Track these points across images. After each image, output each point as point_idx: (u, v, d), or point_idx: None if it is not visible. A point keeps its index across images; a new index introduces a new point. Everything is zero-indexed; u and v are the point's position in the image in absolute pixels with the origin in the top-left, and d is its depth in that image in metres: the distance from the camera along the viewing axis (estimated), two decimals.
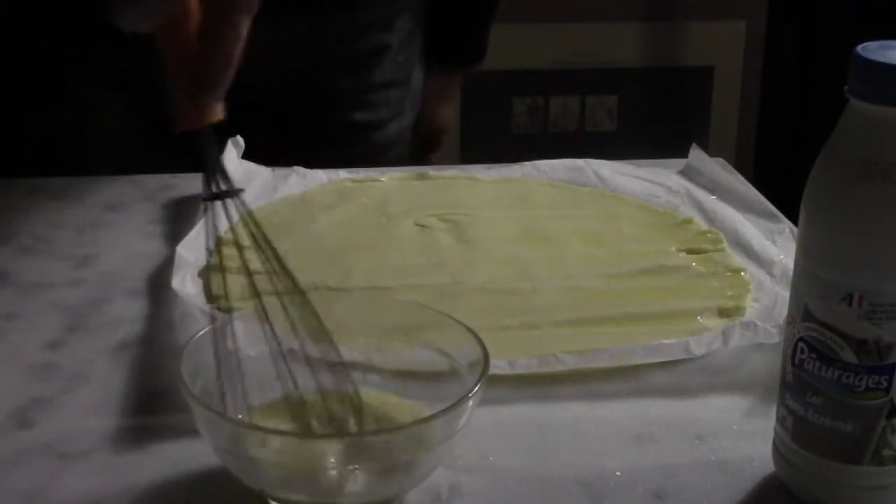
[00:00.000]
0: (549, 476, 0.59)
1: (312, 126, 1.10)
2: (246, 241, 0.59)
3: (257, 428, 0.55)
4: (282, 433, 0.55)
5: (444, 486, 0.58)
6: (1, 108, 1.05)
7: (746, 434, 0.63)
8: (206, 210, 0.58)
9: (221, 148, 0.60)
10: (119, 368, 0.68)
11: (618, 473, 0.59)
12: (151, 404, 0.64)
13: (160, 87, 0.58)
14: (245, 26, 0.58)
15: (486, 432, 0.61)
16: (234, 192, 0.59)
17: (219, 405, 0.56)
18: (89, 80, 1.03)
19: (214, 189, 0.58)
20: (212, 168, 0.59)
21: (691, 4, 2.22)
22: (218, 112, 0.59)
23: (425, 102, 1.21)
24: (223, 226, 0.60)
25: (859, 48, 0.51)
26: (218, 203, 0.59)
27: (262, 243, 0.58)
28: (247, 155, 0.96)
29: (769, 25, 2.25)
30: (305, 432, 0.57)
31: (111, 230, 0.89)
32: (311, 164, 0.98)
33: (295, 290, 0.59)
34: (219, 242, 0.83)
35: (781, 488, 0.58)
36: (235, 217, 0.59)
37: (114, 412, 0.64)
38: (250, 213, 0.59)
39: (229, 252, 0.80)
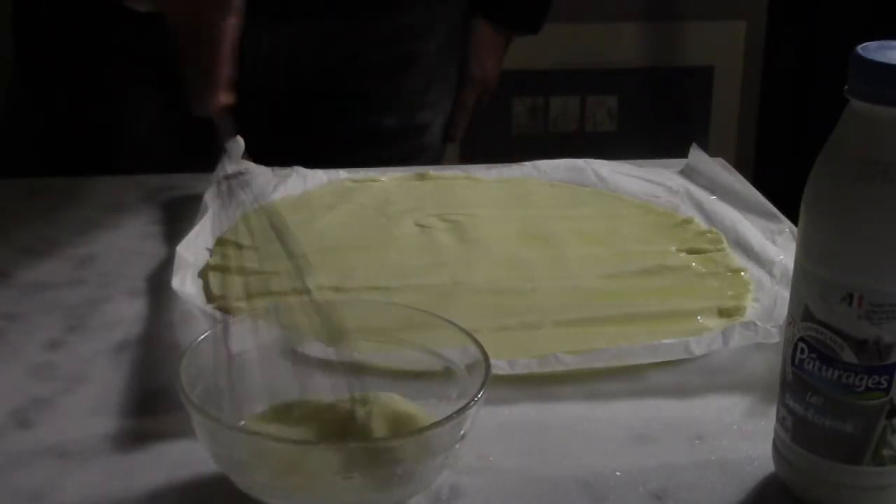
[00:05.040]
0: (549, 476, 0.59)
1: (342, 129, 1.10)
2: (246, 240, 0.59)
3: (256, 434, 0.55)
4: (281, 440, 0.55)
5: (445, 487, 0.58)
6: (38, 104, 1.06)
7: (746, 434, 0.63)
8: (219, 192, 0.60)
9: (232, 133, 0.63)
10: (119, 368, 0.68)
11: (618, 473, 0.59)
12: (151, 404, 0.64)
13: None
14: (230, 24, 0.59)
15: (486, 432, 0.61)
16: (239, 174, 0.60)
17: (218, 411, 0.56)
18: (126, 74, 1.03)
19: (227, 171, 0.60)
20: (222, 150, 0.61)
21: (691, 4, 2.22)
22: (226, 98, 0.61)
23: (473, 54, 1.19)
24: (227, 222, 0.61)
25: (859, 48, 0.51)
26: (227, 186, 0.60)
27: (275, 235, 0.59)
28: (272, 155, 0.96)
29: (769, 25, 2.24)
30: (306, 439, 0.56)
31: (111, 230, 0.89)
32: (337, 167, 0.98)
33: (304, 289, 0.59)
34: (218, 242, 0.83)
35: (781, 488, 0.58)
36: (247, 207, 0.60)
37: (114, 412, 0.64)
38: (263, 206, 0.59)
39: (229, 252, 0.80)
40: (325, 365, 0.60)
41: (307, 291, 0.59)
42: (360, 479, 0.53)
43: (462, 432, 0.54)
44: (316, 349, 0.62)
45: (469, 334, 0.59)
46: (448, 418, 0.53)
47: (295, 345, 0.59)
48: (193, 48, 0.61)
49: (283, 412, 0.58)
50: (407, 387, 0.60)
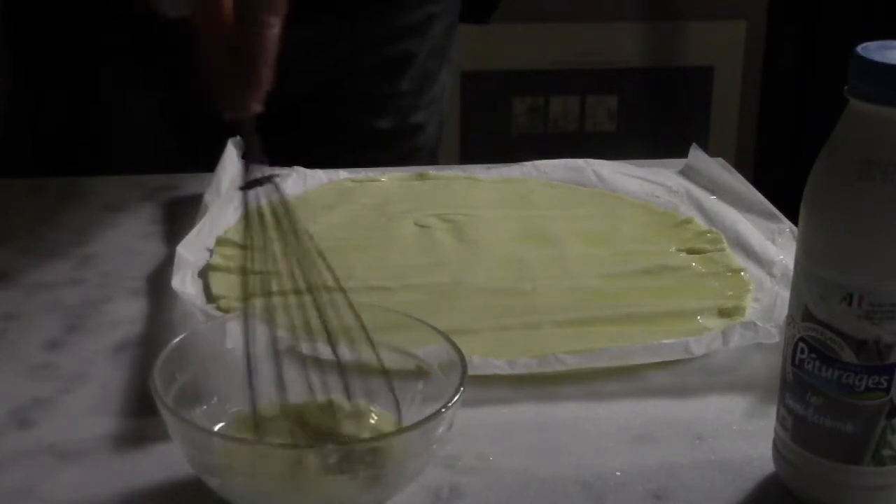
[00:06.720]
0: (549, 476, 0.59)
1: (336, 131, 1.10)
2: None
3: (226, 438, 0.55)
4: (249, 442, 0.54)
5: (445, 486, 0.58)
6: (37, 104, 1.06)
7: (746, 434, 0.63)
8: (243, 198, 0.59)
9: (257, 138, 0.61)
10: (119, 368, 0.68)
11: (618, 473, 0.59)
12: (151, 404, 0.64)
13: (195, 81, 0.59)
14: (278, 25, 0.59)
15: (486, 432, 0.61)
16: (270, 178, 0.59)
17: (196, 412, 0.55)
18: (125, 74, 1.03)
19: (253, 177, 0.59)
20: (251, 156, 0.60)
21: (691, 4, 2.22)
22: (260, 104, 0.60)
23: None
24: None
25: (859, 48, 0.51)
26: (254, 191, 0.59)
27: (290, 232, 0.59)
28: (271, 156, 0.96)
29: (769, 25, 2.25)
30: (277, 442, 0.55)
31: (111, 230, 0.89)
32: (331, 168, 0.98)
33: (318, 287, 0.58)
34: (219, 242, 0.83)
35: (781, 488, 0.58)
36: (265, 202, 0.59)
37: (114, 412, 0.64)
38: (284, 202, 0.59)
39: (229, 252, 0.80)
40: (307, 365, 0.60)
41: (339, 288, 0.59)
42: (338, 481, 0.52)
43: (440, 432, 0.54)
44: (299, 348, 0.61)
45: (445, 335, 0.59)
46: (425, 420, 0.53)
47: (275, 345, 0.59)
48: (233, 51, 0.60)
49: (263, 413, 0.58)
50: (384, 386, 0.60)
